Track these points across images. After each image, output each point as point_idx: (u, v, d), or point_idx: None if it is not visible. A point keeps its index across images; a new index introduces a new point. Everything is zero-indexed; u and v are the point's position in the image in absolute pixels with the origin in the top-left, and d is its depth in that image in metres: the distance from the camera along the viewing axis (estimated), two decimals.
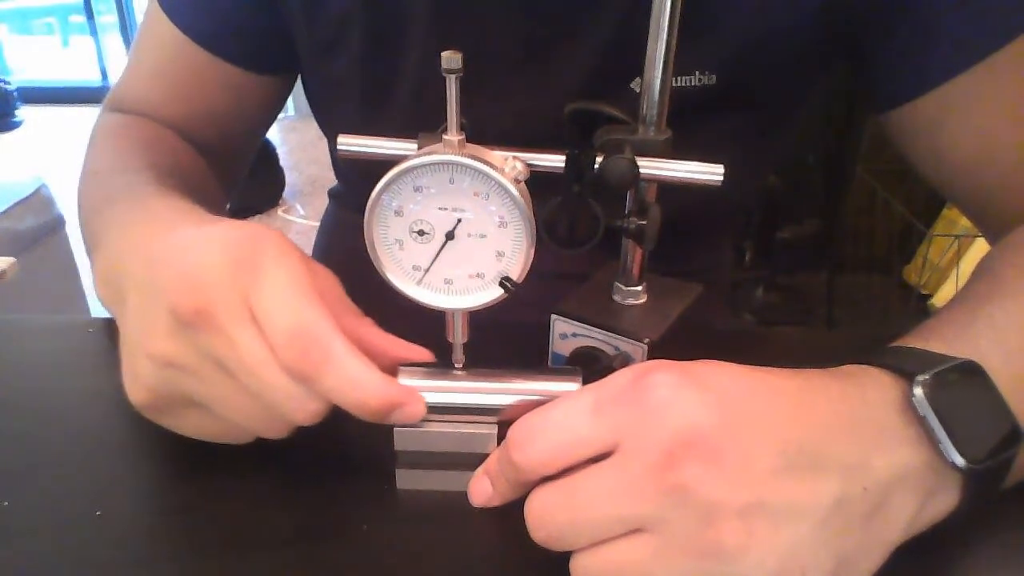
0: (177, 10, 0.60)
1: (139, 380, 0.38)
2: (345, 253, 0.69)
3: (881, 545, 0.33)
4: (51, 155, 3.26)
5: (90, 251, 0.49)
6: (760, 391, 0.33)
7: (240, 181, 0.75)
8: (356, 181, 0.70)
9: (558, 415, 0.33)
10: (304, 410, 0.35)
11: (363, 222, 0.36)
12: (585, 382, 0.34)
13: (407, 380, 0.39)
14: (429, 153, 0.35)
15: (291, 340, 0.34)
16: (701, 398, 0.31)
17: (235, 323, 0.34)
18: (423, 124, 0.37)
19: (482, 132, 0.36)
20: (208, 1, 0.60)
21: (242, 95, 0.64)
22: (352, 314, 0.39)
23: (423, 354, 0.39)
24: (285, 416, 0.36)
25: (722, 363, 0.33)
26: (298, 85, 0.67)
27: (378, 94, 0.57)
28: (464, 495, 0.36)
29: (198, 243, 0.37)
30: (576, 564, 0.32)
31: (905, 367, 0.35)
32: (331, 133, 0.63)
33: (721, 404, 0.32)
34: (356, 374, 0.34)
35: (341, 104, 0.60)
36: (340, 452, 0.43)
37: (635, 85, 0.40)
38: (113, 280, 0.41)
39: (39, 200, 1.69)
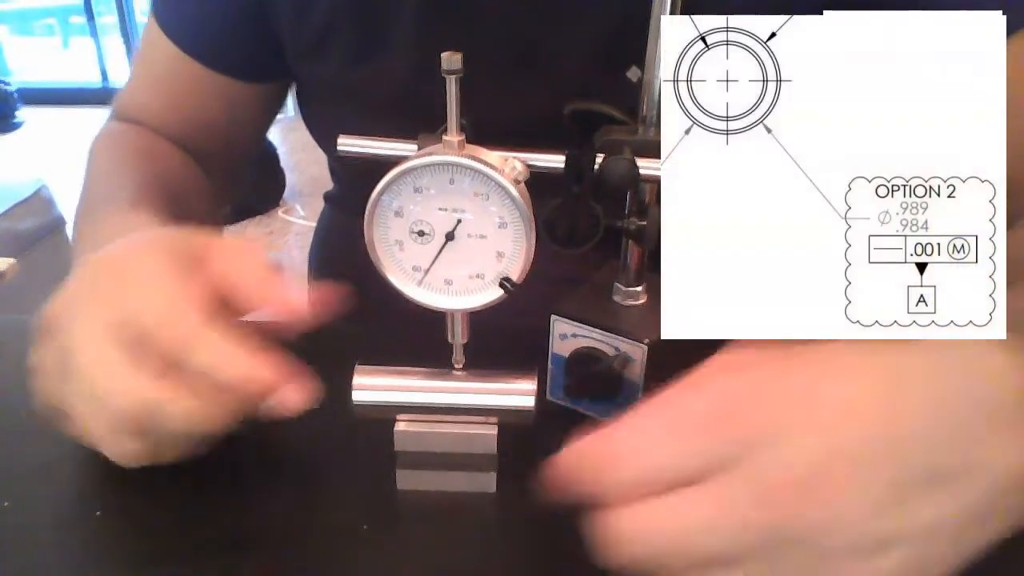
0: (171, 24, 0.61)
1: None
2: (342, 255, 0.69)
3: (982, 544, 0.31)
4: (51, 156, 3.25)
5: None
6: (873, 406, 0.29)
7: (241, 184, 0.77)
8: (353, 184, 0.70)
9: (645, 441, 0.30)
10: (118, 448, 0.37)
11: (360, 225, 0.36)
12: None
13: (407, 380, 0.39)
14: (429, 154, 0.35)
15: (162, 322, 0.35)
16: (809, 421, 0.29)
17: (75, 323, 0.37)
18: (411, 128, 0.38)
19: (478, 133, 0.36)
20: (200, 14, 0.61)
21: (236, 104, 0.65)
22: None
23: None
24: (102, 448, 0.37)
25: (817, 361, 0.30)
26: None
27: (365, 98, 0.57)
28: (464, 495, 0.36)
29: (85, 264, 0.40)
30: None
31: None
32: (321, 139, 0.63)
33: (831, 429, 0.29)
34: (229, 348, 0.35)
35: (329, 109, 0.61)
36: (340, 452, 0.44)
37: (631, 74, 0.40)
38: None
39: (39, 201, 1.69)
